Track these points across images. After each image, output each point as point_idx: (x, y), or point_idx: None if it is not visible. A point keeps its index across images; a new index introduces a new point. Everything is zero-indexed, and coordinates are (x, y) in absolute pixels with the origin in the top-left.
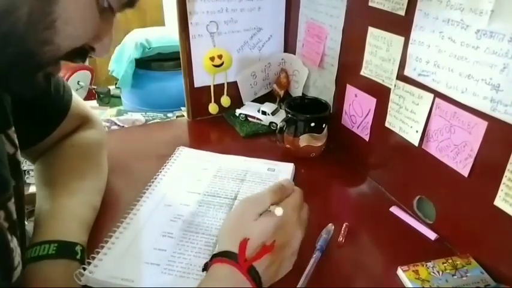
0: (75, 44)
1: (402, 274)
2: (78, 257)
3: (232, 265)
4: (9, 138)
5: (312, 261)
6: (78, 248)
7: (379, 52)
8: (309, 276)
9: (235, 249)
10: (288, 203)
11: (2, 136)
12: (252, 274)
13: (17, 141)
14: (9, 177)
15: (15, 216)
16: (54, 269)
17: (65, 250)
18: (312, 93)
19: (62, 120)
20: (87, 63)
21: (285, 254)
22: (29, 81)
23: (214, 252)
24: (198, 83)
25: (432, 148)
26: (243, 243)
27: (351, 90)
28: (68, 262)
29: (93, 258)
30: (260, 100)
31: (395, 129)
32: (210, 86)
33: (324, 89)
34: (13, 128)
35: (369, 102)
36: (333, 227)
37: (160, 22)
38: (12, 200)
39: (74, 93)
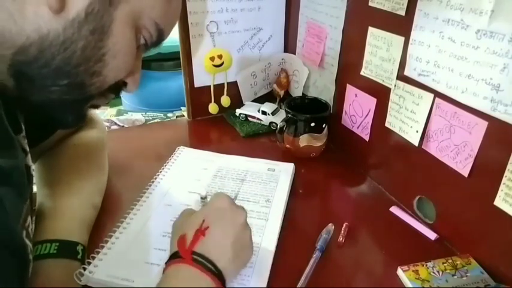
0: (118, 76)
1: (402, 274)
2: (79, 256)
3: (176, 262)
4: (19, 143)
5: (311, 261)
6: (79, 248)
7: (379, 52)
8: (309, 276)
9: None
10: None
11: (15, 140)
12: (197, 259)
13: (27, 147)
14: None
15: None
16: (55, 268)
17: (66, 250)
18: (312, 93)
19: (72, 126)
20: None
21: (225, 228)
22: (78, 111)
23: None
24: (198, 83)
25: (432, 148)
26: (181, 239)
27: (351, 90)
28: (69, 262)
29: (93, 258)
30: (260, 100)
31: (396, 129)
32: (210, 86)
33: (324, 89)
34: (23, 133)
35: (369, 102)
36: (333, 227)
37: None
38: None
39: None
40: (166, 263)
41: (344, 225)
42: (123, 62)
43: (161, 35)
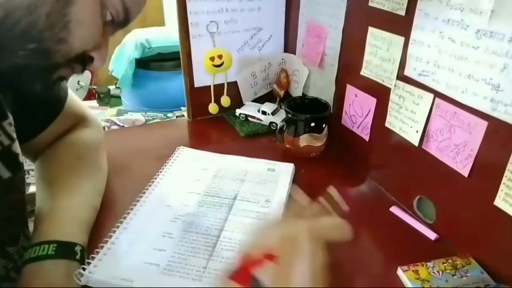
0: (84, 46)
1: (402, 274)
2: (77, 257)
3: (232, 279)
4: (3, 130)
5: None
6: (77, 248)
7: (379, 52)
8: None
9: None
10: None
11: None
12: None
13: (13, 134)
14: None
15: None
16: (53, 269)
17: (64, 250)
18: (312, 93)
19: (56, 115)
20: None
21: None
22: (44, 80)
23: None
24: (198, 83)
25: (432, 148)
26: (244, 258)
27: (351, 90)
28: (67, 262)
29: (93, 258)
30: (260, 100)
31: (396, 129)
32: (210, 86)
33: (324, 89)
34: (9, 120)
35: (369, 102)
36: None
37: (160, 22)
38: None
39: (70, 92)
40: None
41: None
42: (88, 31)
43: (127, 14)
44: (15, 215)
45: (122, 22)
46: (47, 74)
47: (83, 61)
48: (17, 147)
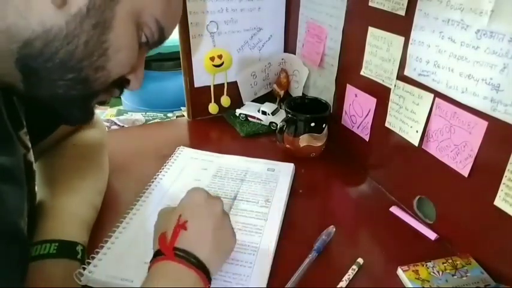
0: (122, 71)
1: (402, 274)
2: (78, 256)
3: (159, 260)
4: (20, 140)
5: (306, 261)
6: (79, 248)
7: (379, 52)
8: (301, 276)
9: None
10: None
11: (15, 137)
12: (179, 254)
13: (28, 143)
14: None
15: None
16: (54, 268)
17: (66, 250)
18: (312, 93)
19: (83, 123)
20: None
21: (203, 220)
22: (85, 107)
23: None
24: (198, 83)
25: (432, 148)
26: (161, 237)
27: (351, 90)
28: (68, 262)
29: (93, 258)
30: (260, 100)
31: (396, 129)
32: (210, 86)
33: (324, 89)
34: (24, 130)
35: (369, 102)
36: (334, 229)
37: None
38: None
39: None
40: (150, 261)
41: (353, 267)
42: (126, 57)
43: (162, 34)
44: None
45: (156, 42)
46: (86, 101)
47: (120, 85)
48: (31, 156)
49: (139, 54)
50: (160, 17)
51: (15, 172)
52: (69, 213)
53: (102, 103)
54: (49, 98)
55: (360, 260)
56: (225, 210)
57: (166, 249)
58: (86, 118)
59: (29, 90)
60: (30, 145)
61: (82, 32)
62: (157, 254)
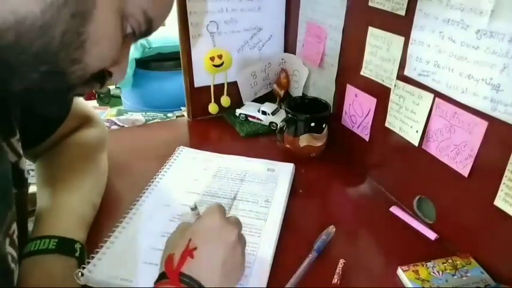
0: (101, 64)
1: (402, 274)
2: (77, 254)
3: (164, 284)
4: (12, 147)
5: (306, 261)
6: (77, 246)
7: (379, 52)
8: (301, 276)
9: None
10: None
11: (4, 145)
12: (184, 280)
13: (20, 150)
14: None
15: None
16: (53, 263)
17: (65, 246)
18: (312, 93)
19: (63, 120)
20: None
21: (214, 248)
22: (61, 101)
23: None
24: (198, 83)
25: (432, 148)
26: (168, 259)
27: (351, 90)
28: (66, 258)
29: (93, 257)
30: (260, 100)
31: (396, 129)
32: (210, 86)
33: (324, 89)
34: (17, 137)
35: (369, 102)
36: (334, 229)
37: None
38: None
39: None
40: (155, 283)
41: (340, 261)
42: (106, 50)
43: (150, 25)
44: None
45: (143, 34)
46: (63, 95)
47: (101, 78)
48: (23, 164)
49: (124, 45)
50: (148, 8)
51: None
52: (68, 211)
53: (80, 95)
54: (23, 92)
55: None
56: (241, 235)
57: (172, 273)
58: (63, 111)
59: (1, 84)
60: (22, 152)
61: (59, 22)
62: (163, 277)
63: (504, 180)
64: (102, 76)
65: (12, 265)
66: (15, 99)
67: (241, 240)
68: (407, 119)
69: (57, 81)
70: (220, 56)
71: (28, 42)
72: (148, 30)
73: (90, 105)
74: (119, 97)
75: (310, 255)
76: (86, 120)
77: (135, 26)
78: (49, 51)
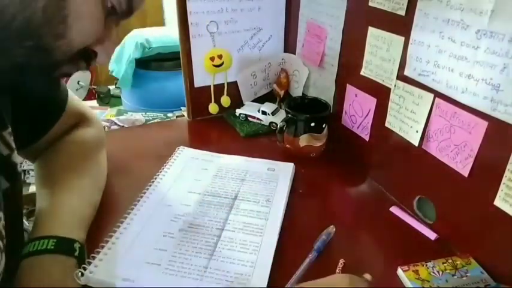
0: (85, 40)
1: (402, 274)
2: (76, 254)
3: None
4: (3, 140)
5: (306, 261)
6: (76, 246)
7: (379, 52)
8: (302, 276)
9: None
10: None
11: None
12: None
13: (13, 143)
14: None
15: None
16: (52, 263)
17: (64, 246)
18: (312, 93)
19: (58, 118)
20: None
21: None
22: (47, 78)
23: None
24: (198, 83)
25: (432, 148)
26: None
27: (351, 90)
28: (65, 258)
29: (94, 258)
30: (260, 100)
31: (396, 129)
32: (210, 86)
33: (324, 89)
34: (9, 130)
35: (369, 102)
36: (334, 229)
37: (160, 22)
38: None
39: (70, 92)
40: None
41: (340, 261)
42: (88, 25)
43: (131, 3)
44: (12, 225)
45: (125, 12)
46: (49, 71)
47: (86, 57)
48: (15, 157)
49: (107, 24)
50: None
51: None
52: (68, 211)
53: (67, 75)
54: (9, 69)
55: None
56: None
57: None
58: (51, 89)
59: None
60: (14, 145)
61: None
62: None
63: (504, 180)
64: (88, 55)
65: None
66: (2, 80)
67: None
68: (407, 119)
69: (42, 57)
70: (220, 56)
71: (10, 17)
72: (129, 8)
73: (87, 105)
74: (119, 97)
75: (310, 255)
76: (83, 119)
77: (115, 3)
78: (31, 26)
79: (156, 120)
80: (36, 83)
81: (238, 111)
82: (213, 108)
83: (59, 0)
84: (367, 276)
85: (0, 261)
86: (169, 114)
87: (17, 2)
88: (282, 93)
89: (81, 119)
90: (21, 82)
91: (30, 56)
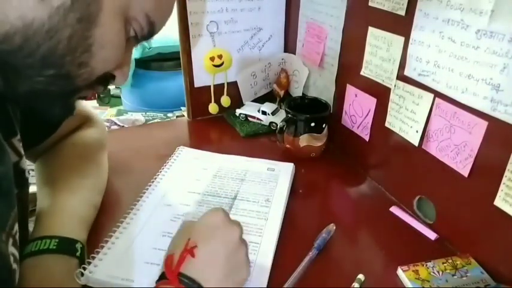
0: (106, 68)
1: (402, 274)
2: (77, 254)
3: (163, 284)
4: (13, 147)
5: (306, 259)
6: (78, 246)
7: (379, 52)
8: (301, 274)
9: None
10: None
11: (6, 146)
12: (183, 281)
13: (21, 150)
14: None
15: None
16: (54, 263)
17: (66, 246)
18: (312, 93)
19: (62, 120)
20: None
21: (215, 247)
22: (65, 103)
23: None
24: (198, 83)
25: (432, 148)
26: (168, 259)
27: (351, 90)
28: (67, 258)
29: (94, 258)
30: (260, 100)
31: (396, 129)
32: (210, 86)
33: (324, 89)
34: (18, 137)
35: (369, 102)
36: (334, 227)
37: None
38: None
39: None
40: (156, 282)
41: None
42: (111, 53)
43: (152, 28)
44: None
45: (146, 36)
46: (67, 97)
47: (104, 80)
48: (24, 163)
49: (127, 48)
50: (150, 11)
51: (2, 182)
52: (69, 211)
53: (84, 98)
54: (28, 95)
55: (361, 277)
56: (243, 239)
57: (171, 274)
58: (67, 114)
59: (6, 87)
60: (23, 152)
61: (65, 26)
62: (163, 277)
63: (504, 180)
64: (106, 79)
65: (14, 265)
66: (19, 101)
67: (244, 242)
68: (407, 119)
69: (63, 84)
70: (220, 56)
71: (35, 46)
72: (150, 33)
73: (90, 105)
74: (119, 97)
75: (310, 253)
76: (86, 120)
77: (137, 29)
78: (56, 55)
79: (156, 120)
80: (53, 108)
81: (238, 111)
82: (213, 108)
83: (85, 30)
84: (361, 276)
85: (16, 271)
86: (169, 114)
87: (43, 31)
88: (282, 93)
89: (85, 120)
90: (38, 107)
91: (50, 83)
